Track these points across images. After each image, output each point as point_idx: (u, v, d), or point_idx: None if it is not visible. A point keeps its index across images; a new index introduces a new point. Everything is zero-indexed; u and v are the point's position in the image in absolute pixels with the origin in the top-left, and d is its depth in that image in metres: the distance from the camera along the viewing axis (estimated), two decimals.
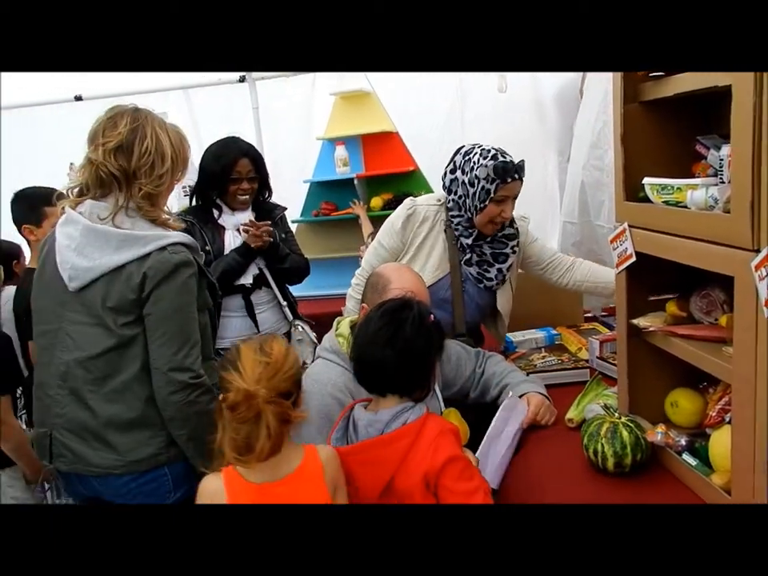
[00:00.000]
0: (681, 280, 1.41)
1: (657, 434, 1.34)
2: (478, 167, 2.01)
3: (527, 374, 1.94)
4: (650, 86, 1.34)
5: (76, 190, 1.60)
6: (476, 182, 2.02)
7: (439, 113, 3.82)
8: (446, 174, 2.15)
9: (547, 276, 2.26)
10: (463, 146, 2.13)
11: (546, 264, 2.24)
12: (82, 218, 1.53)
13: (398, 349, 1.28)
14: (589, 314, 2.57)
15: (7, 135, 3.91)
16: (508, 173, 1.99)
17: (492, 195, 2.00)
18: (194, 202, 2.54)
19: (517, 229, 2.17)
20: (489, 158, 2.01)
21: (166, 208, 1.66)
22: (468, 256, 2.14)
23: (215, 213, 2.48)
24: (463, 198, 2.08)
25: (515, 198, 2.07)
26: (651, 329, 1.40)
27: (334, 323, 1.80)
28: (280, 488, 1.26)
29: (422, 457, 1.24)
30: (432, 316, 1.38)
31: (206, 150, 2.52)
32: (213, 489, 1.27)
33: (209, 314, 1.69)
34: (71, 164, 3.79)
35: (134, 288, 1.50)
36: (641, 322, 1.43)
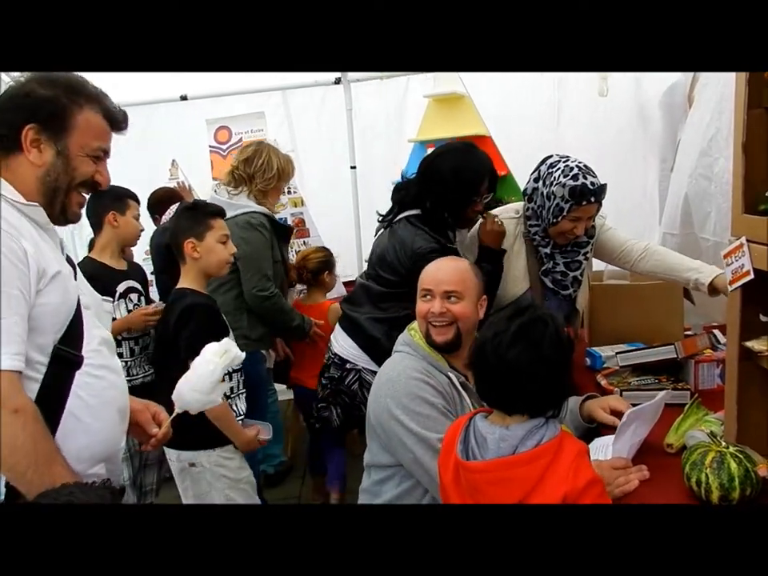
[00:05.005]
0: None
1: None
2: (556, 184, 2.04)
3: (620, 393, 1.85)
4: None
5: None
6: (552, 197, 2.05)
7: (534, 117, 3.73)
8: (529, 181, 2.20)
9: (620, 264, 2.26)
10: (551, 156, 2.15)
11: (618, 253, 2.23)
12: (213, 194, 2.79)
13: (538, 373, 1.20)
14: (689, 332, 2.41)
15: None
16: (584, 196, 2.01)
17: (565, 214, 2.04)
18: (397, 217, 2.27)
19: (592, 235, 2.20)
20: (569, 177, 2.02)
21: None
22: (546, 266, 2.18)
23: (450, 235, 2.24)
24: (540, 209, 2.13)
25: (591, 218, 2.10)
26: (767, 353, 1.29)
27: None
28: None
29: (561, 478, 1.16)
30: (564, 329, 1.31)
31: (440, 159, 2.21)
32: None
33: (281, 267, 2.76)
34: (173, 161, 3.98)
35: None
36: (755, 345, 1.32)
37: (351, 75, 3.79)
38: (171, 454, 2.15)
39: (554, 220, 2.07)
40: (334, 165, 4.02)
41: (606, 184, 2.05)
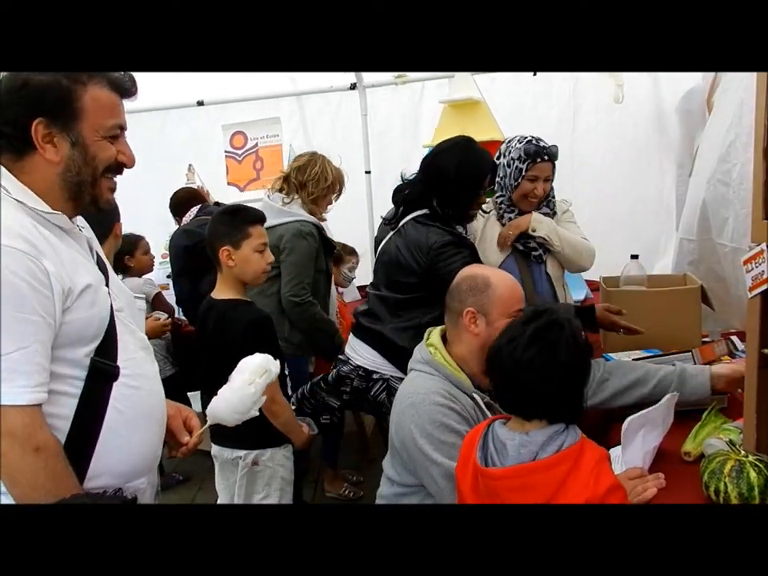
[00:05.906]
0: None
1: None
2: (513, 150, 2.33)
3: None
4: None
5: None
6: (512, 162, 2.32)
7: (549, 123, 3.73)
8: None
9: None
10: (508, 137, 2.45)
11: None
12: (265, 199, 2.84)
13: (554, 376, 1.19)
14: (707, 339, 2.39)
15: (133, 137, 4.19)
16: (538, 154, 2.28)
17: (523, 174, 2.30)
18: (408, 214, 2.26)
19: (553, 210, 2.43)
20: (524, 142, 2.31)
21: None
22: None
23: (460, 230, 2.27)
24: (503, 179, 2.37)
25: (547, 179, 2.34)
26: None
27: (426, 334, 1.78)
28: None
29: (582, 484, 1.16)
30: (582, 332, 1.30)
31: (440, 158, 2.22)
32: None
33: (324, 277, 2.83)
34: (189, 165, 4.01)
35: (276, 242, 2.65)
36: None
37: (366, 80, 3.81)
38: (231, 453, 2.12)
39: (516, 183, 2.33)
40: (348, 169, 4.04)
41: (556, 145, 2.33)
